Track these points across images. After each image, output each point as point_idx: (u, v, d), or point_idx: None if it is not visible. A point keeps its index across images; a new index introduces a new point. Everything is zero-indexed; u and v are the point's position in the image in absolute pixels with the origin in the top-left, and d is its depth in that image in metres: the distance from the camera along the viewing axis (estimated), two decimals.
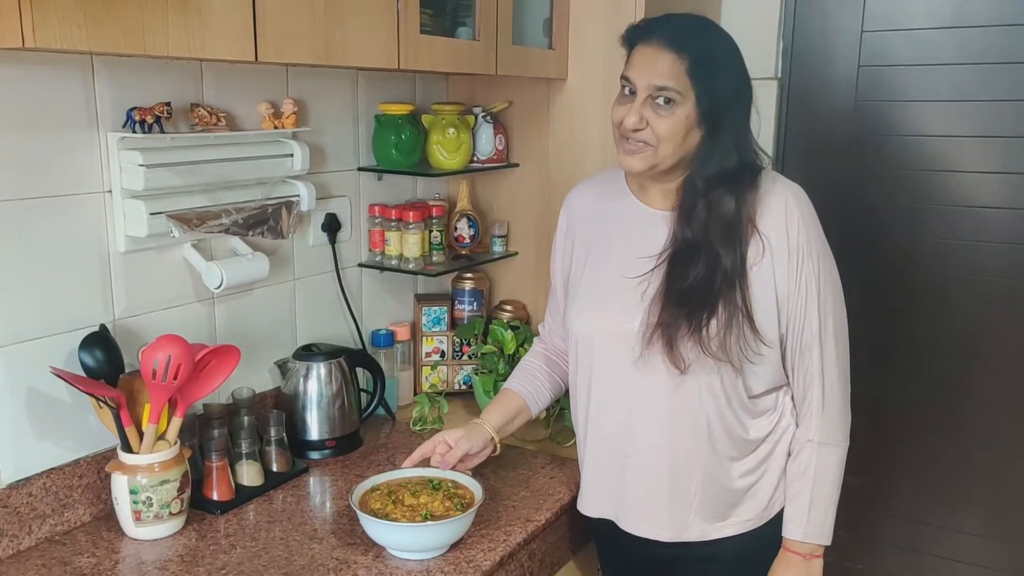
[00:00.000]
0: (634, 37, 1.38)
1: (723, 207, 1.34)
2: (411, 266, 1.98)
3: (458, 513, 1.39)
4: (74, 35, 1.06)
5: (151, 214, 1.47)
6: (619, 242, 1.46)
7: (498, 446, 1.60)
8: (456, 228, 2.12)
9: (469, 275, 2.20)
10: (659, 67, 1.32)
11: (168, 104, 1.48)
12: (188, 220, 1.52)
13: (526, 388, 1.65)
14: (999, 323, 2.13)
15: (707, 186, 1.35)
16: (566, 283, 1.57)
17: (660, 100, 1.32)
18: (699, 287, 1.34)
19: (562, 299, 1.59)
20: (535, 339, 1.76)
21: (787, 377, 1.44)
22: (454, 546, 1.41)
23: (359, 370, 1.89)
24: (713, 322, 1.33)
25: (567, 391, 1.67)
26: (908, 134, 2.16)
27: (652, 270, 1.38)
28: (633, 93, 1.35)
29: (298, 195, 1.76)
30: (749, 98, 1.38)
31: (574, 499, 1.60)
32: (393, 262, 2.00)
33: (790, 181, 1.43)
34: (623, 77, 1.37)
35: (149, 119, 1.45)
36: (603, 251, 1.49)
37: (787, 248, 1.36)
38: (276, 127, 1.69)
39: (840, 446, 1.42)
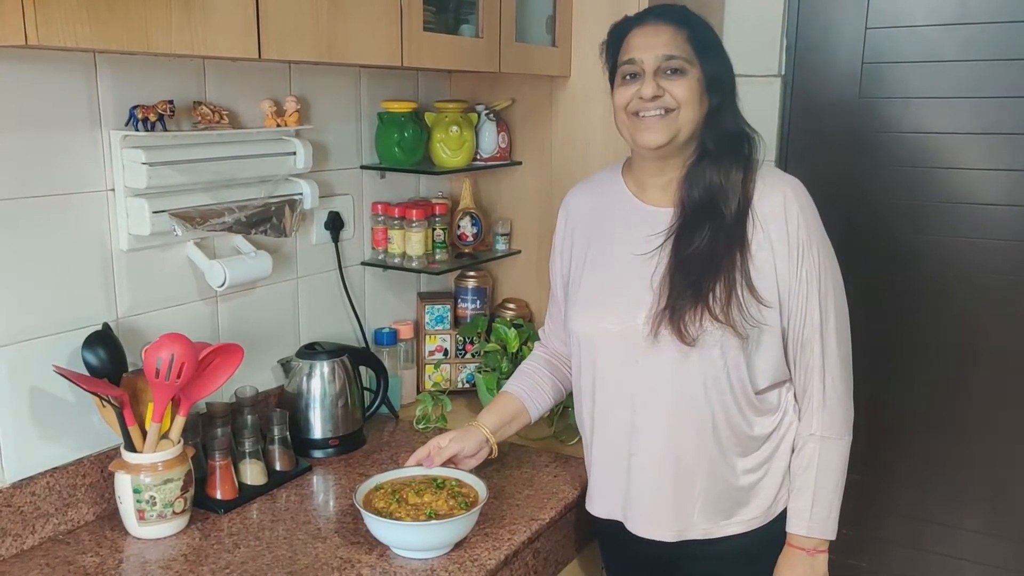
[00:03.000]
0: (623, 29, 1.42)
1: (730, 172, 1.38)
2: (414, 264, 1.98)
3: (462, 512, 1.38)
4: (77, 32, 1.06)
5: (154, 212, 1.47)
6: (618, 240, 1.46)
7: (494, 449, 1.59)
8: (459, 226, 2.12)
9: (472, 273, 2.20)
10: (663, 39, 1.36)
11: (171, 102, 1.47)
12: (191, 218, 1.51)
13: (524, 391, 1.65)
14: (1001, 320, 2.13)
15: (717, 147, 1.38)
16: (566, 285, 1.57)
17: (669, 71, 1.35)
18: (705, 250, 1.35)
19: (562, 302, 1.59)
20: (536, 343, 1.75)
21: (789, 371, 1.44)
22: (458, 545, 1.41)
23: (362, 369, 1.89)
24: (718, 286, 1.34)
25: (569, 394, 1.67)
26: (911, 131, 2.15)
27: (660, 246, 1.39)
28: (636, 76, 1.37)
29: (301, 193, 1.75)
30: (734, 76, 1.44)
31: (578, 497, 1.60)
32: (396, 260, 2.00)
33: (788, 175, 1.44)
34: (626, 62, 1.38)
35: (152, 117, 1.45)
36: (602, 249, 1.48)
37: (787, 242, 1.37)
38: (279, 125, 1.69)
39: (842, 440, 1.42)
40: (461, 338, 2.15)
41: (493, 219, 2.21)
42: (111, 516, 1.47)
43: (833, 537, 1.43)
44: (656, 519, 1.44)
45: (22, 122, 1.33)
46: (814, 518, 1.41)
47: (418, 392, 2.11)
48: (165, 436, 1.43)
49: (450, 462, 1.54)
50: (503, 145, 2.10)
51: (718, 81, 1.38)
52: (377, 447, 1.82)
